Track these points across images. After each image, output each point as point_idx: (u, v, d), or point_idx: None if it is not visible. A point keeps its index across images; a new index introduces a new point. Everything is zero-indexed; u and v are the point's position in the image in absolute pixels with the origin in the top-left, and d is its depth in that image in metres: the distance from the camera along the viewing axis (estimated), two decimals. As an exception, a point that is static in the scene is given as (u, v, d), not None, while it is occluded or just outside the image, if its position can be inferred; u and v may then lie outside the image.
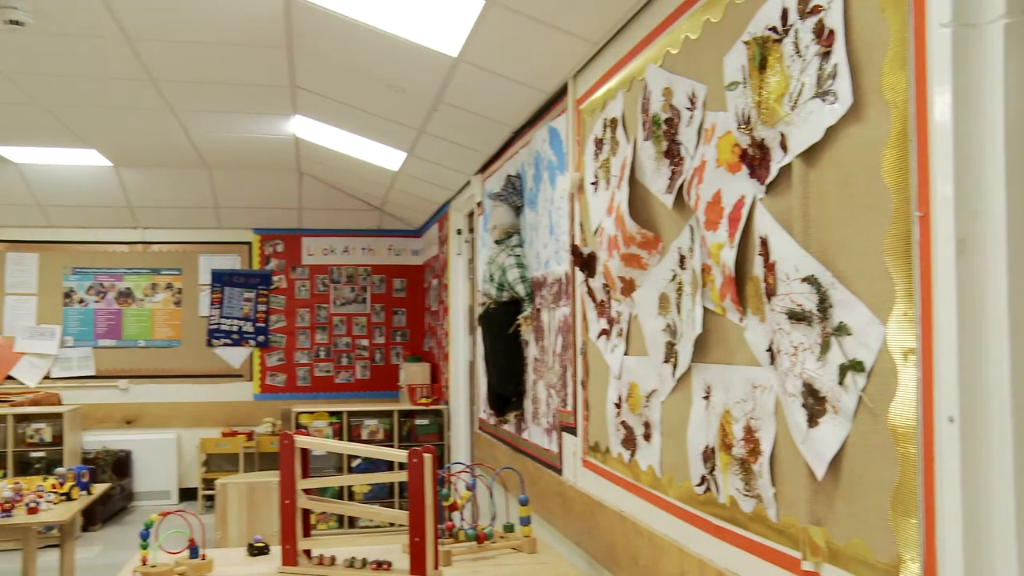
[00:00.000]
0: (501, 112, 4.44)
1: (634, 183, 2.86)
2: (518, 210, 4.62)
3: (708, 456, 2.36)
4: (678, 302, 2.56)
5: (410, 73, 4.32)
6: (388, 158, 6.26)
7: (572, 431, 3.72)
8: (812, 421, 1.81)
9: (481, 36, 3.56)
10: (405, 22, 3.72)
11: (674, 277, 2.58)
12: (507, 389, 4.70)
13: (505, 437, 5.04)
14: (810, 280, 1.80)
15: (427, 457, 2.88)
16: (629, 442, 3.00)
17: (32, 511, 4.80)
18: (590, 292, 3.39)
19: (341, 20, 3.84)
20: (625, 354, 3.03)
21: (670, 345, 2.62)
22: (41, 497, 4.95)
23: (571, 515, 3.66)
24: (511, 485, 4.40)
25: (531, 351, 4.43)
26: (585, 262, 3.36)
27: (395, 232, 9.19)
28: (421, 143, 5.53)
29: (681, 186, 2.51)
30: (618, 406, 3.10)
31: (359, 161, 6.68)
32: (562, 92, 3.83)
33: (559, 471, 3.92)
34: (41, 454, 7.59)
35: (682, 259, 2.52)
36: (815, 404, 1.79)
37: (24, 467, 7.51)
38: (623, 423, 3.06)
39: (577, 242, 3.57)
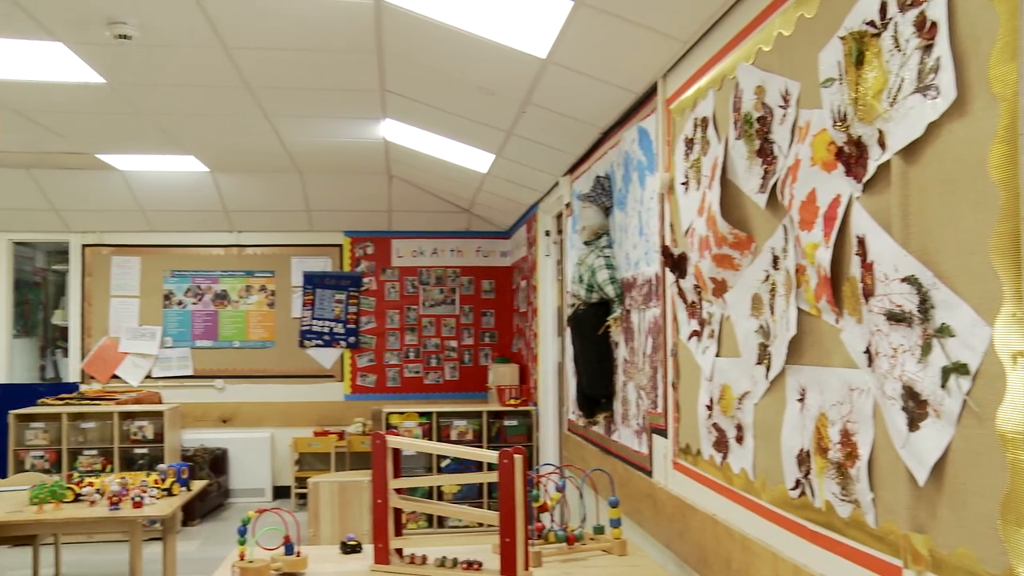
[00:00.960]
0: (590, 113, 4.43)
1: (726, 183, 2.82)
2: (607, 211, 4.60)
3: (803, 459, 2.32)
4: (771, 303, 2.51)
5: (499, 75, 4.34)
6: (477, 160, 6.30)
7: (662, 433, 3.69)
8: (913, 425, 1.76)
9: (570, 37, 3.56)
10: (494, 24, 3.75)
11: (767, 278, 2.54)
12: (596, 390, 4.69)
13: (594, 438, 5.03)
14: (910, 280, 1.75)
15: (518, 458, 2.89)
16: (721, 444, 2.96)
17: (137, 505, 4.98)
18: (681, 293, 3.36)
19: (430, 24, 3.88)
20: (717, 355, 3.00)
21: (763, 346, 2.58)
22: (145, 492, 5.14)
23: (661, 517, 3.63)
24: (601, 487, 4.39)
25: (620, 352, 4.41)
26: (676, 263, 3.33)
27: (483, 234, 9.24)
28: (509, 145, 5.55)
29: (774, 185, 2.47)
30: (709, 408, 3.07)
31: (448, 163, 6.74)
32: (651, 92, 3.80)
33: (649, 473, 3.89)
34: (144, 451, 7.85)
35: (775, 259, 2.48)
36: (916, 407, 1.74)
37: (129, 463, 7.79)
38: (715, 425, 3.02)
39: (668, 243, 3.54)
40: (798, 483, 2.35)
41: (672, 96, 3.52)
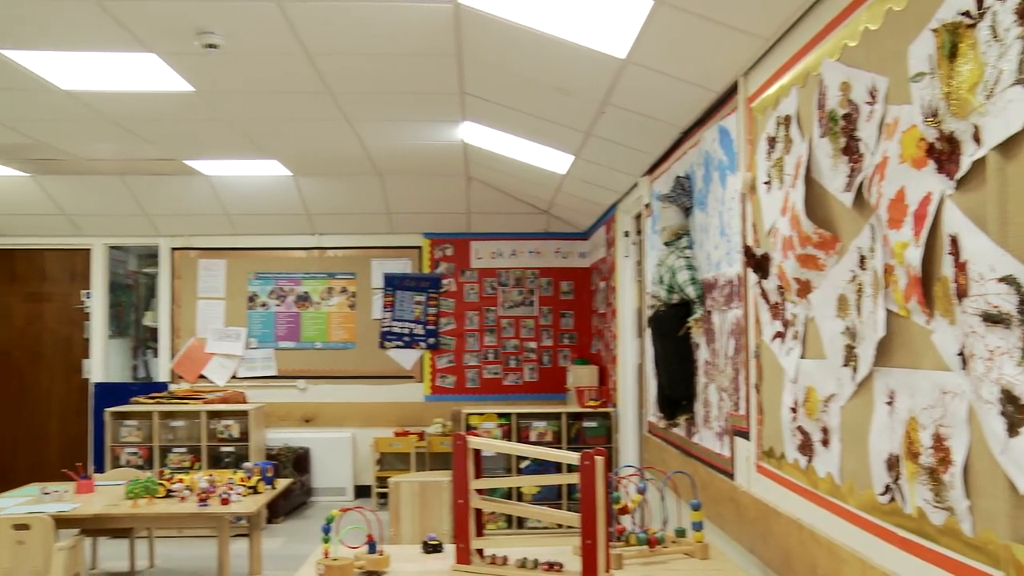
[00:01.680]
0: (669, 112, 4.40)
1: (810, 182, 2.77)
2: (687, 211, 4.56)
3: (892, 464, 2.26)
4: (858, 304, 2.46)
5: (577, 76, 4.34)
6: (555, 161, 6.30)
7: (745, 435, 3.64)
8: (1012, 430, 1.70)
9: (649, 36, 3.54)
10: (573, 26, 3.74)
11: (853, 278, 2.49)
12: (677, 392, 4.64)
13: (675, 441, 4.98)
14: (1008, 280, 1.69)
15: (599, 460, 2.88)
16: (806, 448, 2.90)
17: (224, 502, 5.11)
18: (763, 294, 3.31)
19: (509, 26, 3.89)
20: (801, 357, 2.94)
21: (849, 348, 2.53)
22: (232, 489, 5.28)
23: (744, 521, 3.58)
24: (682, 489, 4.35)
25: (702, 354, 4.36)
26: (758, 263, 3.29)
27: (562, 235, 9.23)
28: (588, 145, 5.54)
29: (861, 184, 2.41)
30: (794, 410, 3.01)
31: (526, 165, 6.75)
32: (732, 90, 3.75)
33: (731, 476, 3.84)
34: (230, 449, 8.03)
35: (862, 259, 2.42)
36: (1015, 412, 1.68)
37: (216, 460, 7.97)
38: (799, 428, 2.96)
39: (750, 243, 3.49)
40: (887, 488, 2.29)
41: (754, 94, 3.47)
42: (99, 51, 4.51)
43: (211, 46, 4.27)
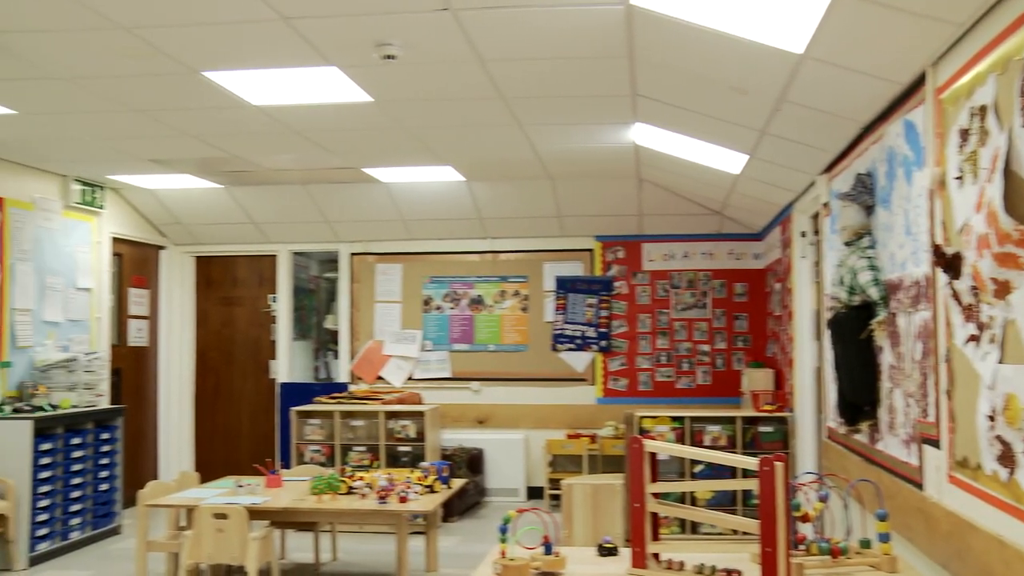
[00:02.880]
0: (849, 107, 4.24)
1: (1010, 175, 2.61)
2: (869, 210, 4.38)
3: (1107, 478, 2.10)
4: (1065, 305, 2.30)
5: (752, 74, 4.24)
6: (729, 161, 6.18)
7: (935, 444, 3.46)
8: None
9: (828, 30, 3.42)
10: (747, 23, 3.66)
11: (1060, 277, 2.32)
12: (859, 397, 4.47)
13: (856, 447, 4.79)
14: None
15: (779, 465, 2.81)
16: (1007, 459, 2.73)
17: (402, 500, 5.28)
18: (955, 295, 3.14)
19: (682, 26, 3.84)
20: (1000, 362, 2.77)
21: (1056, 353, 2.36)
22: (409, 488, 5.44)
23: (935, 535, 3.40)
24: (865, 498, 4.17)
25: (886, 357, 4.18)
26: (949, 263, 3.13)
27: (735, 236, 9.03)
28: (763, 144, 5.40)
29: (1068, 176, 2.25)
30: (991, 419, 2.84)
31: (699, 165, 6.65)
32: (919, 82, 3.58)
33: (919, 486, 3.66)
34: (407, 448, 8.28)
35: (1070, 257, 2.26)
36: None
37: (393, 459, 8.24)
38: (998, 438, 2.79)
39: (939, 242, 3.32)
40: (1100, 504, 2.13)
41: (943, 85, 3.29)
42: (286, 67, 4.76)
43: (389, 57, 4.42)
